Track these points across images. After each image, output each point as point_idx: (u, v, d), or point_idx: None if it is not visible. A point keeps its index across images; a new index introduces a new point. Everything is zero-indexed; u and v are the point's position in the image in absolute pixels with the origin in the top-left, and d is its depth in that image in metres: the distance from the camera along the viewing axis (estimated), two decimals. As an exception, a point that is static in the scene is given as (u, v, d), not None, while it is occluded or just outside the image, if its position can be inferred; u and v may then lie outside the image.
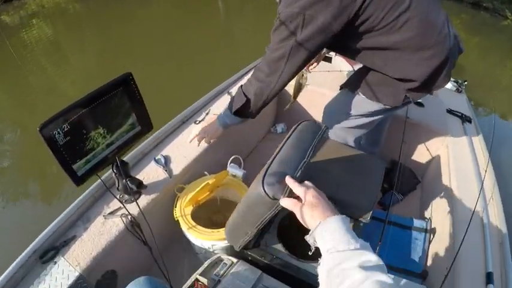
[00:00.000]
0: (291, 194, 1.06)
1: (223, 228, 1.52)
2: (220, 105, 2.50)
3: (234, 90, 2.65)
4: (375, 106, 1.80)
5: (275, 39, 1.50)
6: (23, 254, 1.53)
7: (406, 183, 2.62)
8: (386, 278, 0.77)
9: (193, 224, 1.68)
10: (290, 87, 2.02)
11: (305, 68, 1.89)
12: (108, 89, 1.37)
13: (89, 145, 1.35)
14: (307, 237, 0.96)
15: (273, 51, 1.52)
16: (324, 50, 2.06)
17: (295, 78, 1.92)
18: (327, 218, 0.93)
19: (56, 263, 1.54)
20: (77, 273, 1.50)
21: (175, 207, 1.78)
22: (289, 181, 1.07)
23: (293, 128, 1.41)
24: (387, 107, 1.78)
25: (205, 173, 1.92)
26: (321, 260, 0.90)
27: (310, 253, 0.96)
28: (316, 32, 1.41)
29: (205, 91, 2.68)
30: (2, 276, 1.46)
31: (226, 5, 11.64)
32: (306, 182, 1.08)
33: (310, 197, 1.00)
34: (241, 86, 1.68)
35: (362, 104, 1.83)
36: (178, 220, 1.75)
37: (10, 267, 1.48)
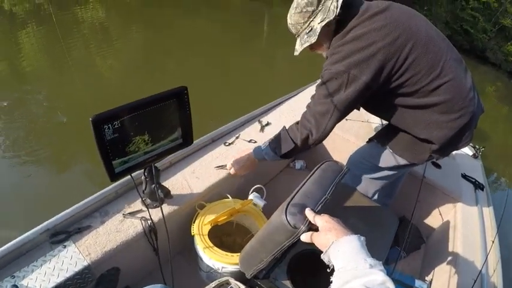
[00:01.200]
0: (310, 226, 1.14)
1: (238, 254, 1.58)
2: (250, 132, 2.59)
3: (264, 119, 2.74)
4: (401, 161, 1.89)
5: (321, 93, 1.63)
6: (34, 229, 1.59)
7: (412, 241, 2.61)
8: None
9: (210, 244, 1.73)
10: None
11: None
12: (163, 98, 1.46)
13: (131, 147, 1.43)
14: (323, 256, 1.02)
15: (317, 104, 1.65)
16: None
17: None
18: (340, 238, 0.99)
19: (65, 246, 1.59)
20: (85, 263, 1.55)
21: (194, 222, 1.83)
22: (308, 213, 1.16)
23: (317, 166, 1.50)
24: (412, 162, 1.87)
25: (228, 195, 1.98)
26: (332, 278, 0.95)
27: (328, 270, 1.01)
28: (358, 90, 1.53)
29: (237, 113, 2.78)
30: (9, 243, 1.52)
31: (272, 29, 12.00)
32: (323, 214, 1.14)
33: (324, 222, 1.07)
34: (287, 130, 1.78)
35: (389, 157, 1.92)
36: (193, 235, 1.79)
37: (19, 238, 1.54)
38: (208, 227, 1.80)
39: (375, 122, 2.74)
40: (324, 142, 2.74)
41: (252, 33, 11.78)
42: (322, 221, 1.08)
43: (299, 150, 1.77)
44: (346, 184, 2.08)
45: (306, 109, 1.74)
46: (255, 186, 2.07)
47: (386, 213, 1.92)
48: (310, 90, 3.11)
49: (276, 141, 1.83)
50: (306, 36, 1.64)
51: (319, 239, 1.06)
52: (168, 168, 2.12)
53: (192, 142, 1.67)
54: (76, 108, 6.12)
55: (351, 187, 2.07)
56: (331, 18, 1.55)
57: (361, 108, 2.82)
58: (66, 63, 8.15)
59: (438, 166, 2.67)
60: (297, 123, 1.78)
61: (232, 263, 1.67)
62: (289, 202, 1.25)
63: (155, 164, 1.66)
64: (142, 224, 1.74)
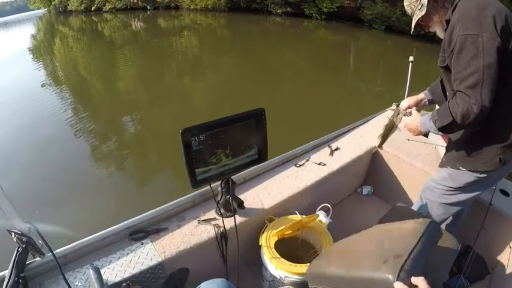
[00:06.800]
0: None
1: (301, 265, 1.74)
2: (320, 155, 2.71)
3: (334, 144, 2.84)
4: (473, 177, 1.87)
5: (460, 64, 1.60)
6: (116, 226, 1.87)
7: (475, 270, 2.46)
8: None
9: (277, 255, 1.85)
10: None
11: (404, 109, 2.05)
12: (243, 117, 1.67)
13: (213, 159, 1.63)
14: None
15: (464, 79, 1.59)
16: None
17: (389, 117, 2.08)
18: None
19: (143, 243, 1.85)
20: (159, 259, 1.77)
21: (262, 233, 1.98)
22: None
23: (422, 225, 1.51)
24: (483, 175, 1.84)
25: (296, 212, 2.11)
26: None
27: None
28: (494, 51, 1.53)
29: (307, 138, 2.92)
30: (92, 236, 1.80)
31: (358, 63, 12.35)
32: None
33: None
34: (449, 103, 1.71)
35: (462, 176, 1.91)
36: (261, 245, 1.93)
37: (101, 232, 1.83)
38: (275, 238, 1.94)
39: (443, 146, 2.71)
40: (391, 167, 2.83)
41: (336, 65, 12.05)
42: None
43: (460, 125, 1.67)
44: (412, 209, 2.13)
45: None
46: (322, 205, 2.19)
47: (447, 236, 1.92)
48: (378, 119, 3.17)
49: (437, 113, 1.80)
50: (417, 12, 1.81)
51: None
52: (243, 184, 2.32)
53: (267, 159, 1.84)
54: (165, 123, 6.73)
55: (409, 209, 2.11)
56: None
57: (430, 135, 2.83)
58: (158, 85, 9.00)
59: (506, 194, 2.57)
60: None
61: (295, 273, 1.78)
62: (403, 266, 1.25)
63: (231, 177, 1.85)
64: (215, 230, 1.92)
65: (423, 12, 1.77)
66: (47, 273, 1.67)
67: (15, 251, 1.55)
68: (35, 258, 1.66)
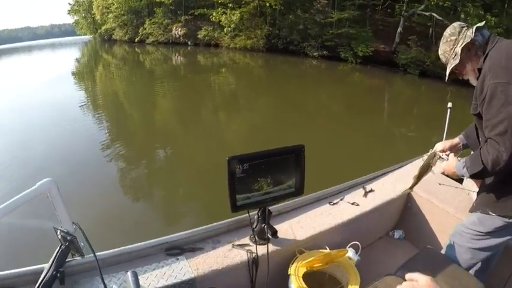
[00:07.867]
0: None
1: None
2: (354, 196, 2.78)
3: (368, 186, 2.91)
4: (502, 221, 1.88)
5: (491, 112, 1.67)
6: (154, 240, 2.03)
7: None
8: None
9: (303, 285, 1.93)
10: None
11: (438, 151, 2.14)
12: (284, 152, 1.83)
13: (256, 186, 1.78)
14: None
15: (494, 127, 1.66)
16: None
17: (425, 159, 2.16)
18: None
19: (178, 259, 1.98)
20: (192, 275, 1.89)
21: (292, 264, 2.07)
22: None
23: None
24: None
25: (326, 247, 2.20)
26: None
27: None
28: None
29: (341, 178, 3.03)
30: (132, 245, 1.97)
31: (392, 108, 12.44)
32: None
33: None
34: (480, 150, 1.77)
35: (491, 221, 1.92)
36: (289, 274, 2.02)
37: (140, 243, 1.99)
38: (304, 269, 2.02)
39: (475, 192, 2.70)
40: (424, 212, 2.87)
41: (370, 109, 12.21)
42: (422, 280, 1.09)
43: (490, 172, 1.71)
44: (440, 253, 2.16)
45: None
46: (353, 242, 2.25)
47: (473, 282, 1.91)
48: (414, 164, 3.21)
49: (470, 159, 1.87)
50: (452, 60, 1.89)
51: None
52: (278, 216, 2.42)
53: (303, 193, 1.96)
54: (199, 155, 7.01)
55: (440, 254, 2.14)
56: (468, 41, 1.80)
57: (465, 180, 2.84)
58: (194, 118, 9.36)
59: None
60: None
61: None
62: None
63: (268, 207, 1.98)
64: (247, 255, 2.03)
65: (457, 61, 1.85)
66: (83, 273, 1.82)
67: (58, 248, 1.70)
68: (73, 257, 1.80)
